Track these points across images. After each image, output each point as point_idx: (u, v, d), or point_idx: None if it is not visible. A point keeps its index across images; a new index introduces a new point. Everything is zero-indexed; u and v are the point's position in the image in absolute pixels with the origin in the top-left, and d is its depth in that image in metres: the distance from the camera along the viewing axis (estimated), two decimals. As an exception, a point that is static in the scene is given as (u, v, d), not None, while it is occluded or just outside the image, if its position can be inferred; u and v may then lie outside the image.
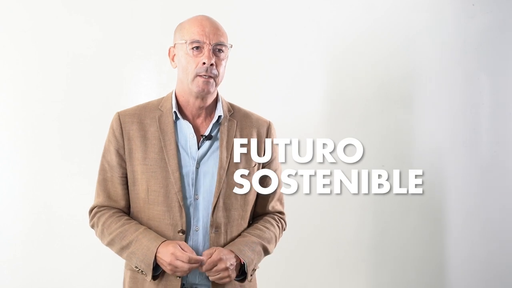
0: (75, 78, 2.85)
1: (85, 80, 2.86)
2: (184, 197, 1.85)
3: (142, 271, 1.83)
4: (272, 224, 1.99)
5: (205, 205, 1.87)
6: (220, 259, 1.80)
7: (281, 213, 2.06)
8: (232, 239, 1.91)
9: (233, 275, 1.83)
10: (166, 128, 1.88)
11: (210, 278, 1.81)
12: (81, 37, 2.85)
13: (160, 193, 1.85)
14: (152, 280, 1.84)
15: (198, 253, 1.84)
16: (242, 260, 1.84)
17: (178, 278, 1.84)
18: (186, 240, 1.85)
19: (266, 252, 1.95)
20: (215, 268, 1.80)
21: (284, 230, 2.08)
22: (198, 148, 1.89)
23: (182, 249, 1.78)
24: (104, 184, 1.92)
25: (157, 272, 1.84)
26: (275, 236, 1.99)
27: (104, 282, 2.85)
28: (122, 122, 1.90)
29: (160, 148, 1.87)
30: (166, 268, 1.79)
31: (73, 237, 2.84)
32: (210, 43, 1.83)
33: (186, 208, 1.85)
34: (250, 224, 2.00)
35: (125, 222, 1.87)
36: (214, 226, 1.87)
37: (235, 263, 1.83)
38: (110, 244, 1.89)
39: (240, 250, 1.85)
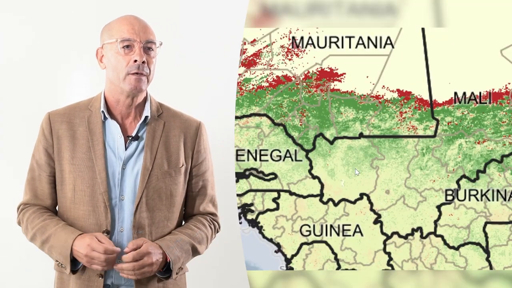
0: (8, 79, 2.81)
1: (18, 81, 2.81)
2: (110, 198, 1.86)
3: (62, 265, 1.83)
4: (204, 225, 1.99)
5: (130, 206, 1.87)
6: (148, 253, 1.79)
7: (214, 214, 2.05)
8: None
9: (155, 270, 1.82)
10: (95, 128, 1.89)
11: (134, 272, 1.78)
12: (13, 37, 2.80)
13: (86, 193, 1.85)
14: (71, 273, 1.83)
15: (122, 254, 1.84)
16: (169, 258, 1.84)
17: (100, 278, 1.84)
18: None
19: (195, 252, 1.94)
20: (141, 262, 1.78)
21: (218, 232, 2.07)
22: (126, 149, 1.89)
23: (99, 241, 1.78)
24: (32, 183, 1.94)
25: (77, 266, 1.84)
26: (207, 237, 1.98)
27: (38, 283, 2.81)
28: (52, 121, 1.92)
29: (88, 148, 1.87)
30: (83, 260, 1.79)
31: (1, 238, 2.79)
32: (140, 41, 1.84)
33: (111, 209, 1.85)
34: (181, 225, 2.00)
35: (47, 217, 1.88)
36: (137, 227, 1.87)
37: (161, 259, 1.83)
38: (32, 239, 1.90)
39: (168, 247, 1.85)
